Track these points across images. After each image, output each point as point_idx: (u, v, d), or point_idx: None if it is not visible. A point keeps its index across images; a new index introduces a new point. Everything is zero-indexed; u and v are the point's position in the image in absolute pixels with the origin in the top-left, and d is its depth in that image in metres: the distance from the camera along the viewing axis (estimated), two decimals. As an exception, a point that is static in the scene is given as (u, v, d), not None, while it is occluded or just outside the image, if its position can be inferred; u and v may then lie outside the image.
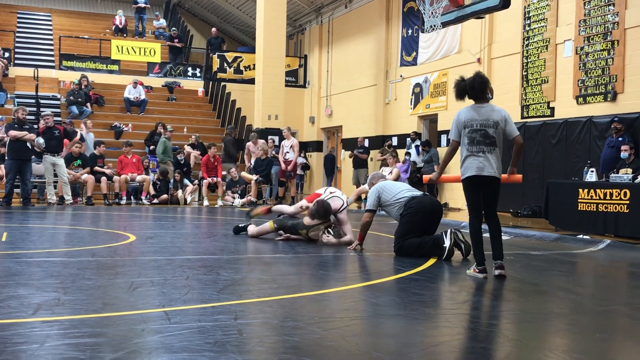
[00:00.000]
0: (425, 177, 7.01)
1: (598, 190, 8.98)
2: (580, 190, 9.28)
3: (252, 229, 8.22)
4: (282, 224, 7.93)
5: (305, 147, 21.49)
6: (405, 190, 7.04)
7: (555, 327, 3.92)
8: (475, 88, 5.60)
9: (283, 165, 15.57)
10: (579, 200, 9.27)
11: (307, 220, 7.68)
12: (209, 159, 15.66)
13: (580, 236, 8.75)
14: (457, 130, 5.63)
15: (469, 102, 5.73)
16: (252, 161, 16.11)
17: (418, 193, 7.02)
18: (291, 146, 15.60)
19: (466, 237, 6.51)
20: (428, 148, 15.59)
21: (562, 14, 12.71)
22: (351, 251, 7.00)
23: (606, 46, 11.64)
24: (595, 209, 9.00)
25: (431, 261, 6.32)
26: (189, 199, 15.18)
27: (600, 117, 11.61)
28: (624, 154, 10.16)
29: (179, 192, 15.08)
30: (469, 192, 5.66)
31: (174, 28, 24.39)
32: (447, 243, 6.46)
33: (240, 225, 8.54)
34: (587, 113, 11.98)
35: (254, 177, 15.39)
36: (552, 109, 12.86)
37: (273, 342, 3.25)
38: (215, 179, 15.47)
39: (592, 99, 11.93)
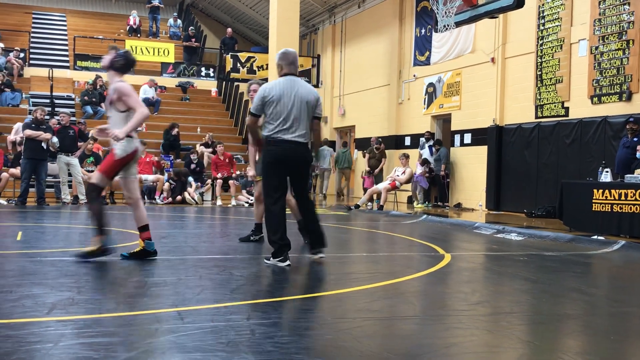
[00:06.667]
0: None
1: (613, 191, 8.91)
2: (595, 190, 9.21)
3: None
4: None
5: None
6: (287, 122, 5.72)
7: (568, 328, 3.90)
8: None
9: None
10: (593, 201, 9.20)
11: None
12: (218, 157, 15.66)
13: (595, 237, 8.69)
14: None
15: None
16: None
17: (296, 138, 5.74)
18: None
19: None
20: (439, 147, 15.71)
21: (577, 13, 12.63)
22: (363, 252, 6.98)
23: (621, 45, 11.55)
24: (610, 210, 8.93)
25: (444, 262, 6.30)
26: (196, 197, 15.08)
27: (615, 117, 11.52)
28: (639, 154, 10.09)
29: (185, 194, 14.96)
30: None
31: (191, 27, 24.42)
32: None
33: None
34: (601, 113, 11.89)
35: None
36: (567, 108, 12.77)
37: (285, 343, 3.26)
38: (224, 173, 15.43)
39: (607, 99, 11.84)
